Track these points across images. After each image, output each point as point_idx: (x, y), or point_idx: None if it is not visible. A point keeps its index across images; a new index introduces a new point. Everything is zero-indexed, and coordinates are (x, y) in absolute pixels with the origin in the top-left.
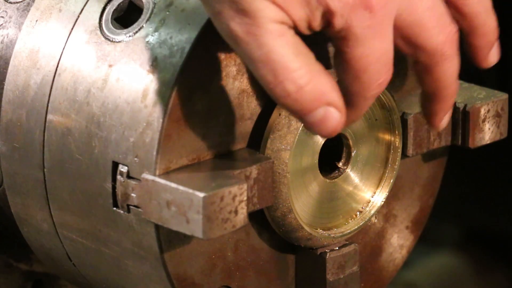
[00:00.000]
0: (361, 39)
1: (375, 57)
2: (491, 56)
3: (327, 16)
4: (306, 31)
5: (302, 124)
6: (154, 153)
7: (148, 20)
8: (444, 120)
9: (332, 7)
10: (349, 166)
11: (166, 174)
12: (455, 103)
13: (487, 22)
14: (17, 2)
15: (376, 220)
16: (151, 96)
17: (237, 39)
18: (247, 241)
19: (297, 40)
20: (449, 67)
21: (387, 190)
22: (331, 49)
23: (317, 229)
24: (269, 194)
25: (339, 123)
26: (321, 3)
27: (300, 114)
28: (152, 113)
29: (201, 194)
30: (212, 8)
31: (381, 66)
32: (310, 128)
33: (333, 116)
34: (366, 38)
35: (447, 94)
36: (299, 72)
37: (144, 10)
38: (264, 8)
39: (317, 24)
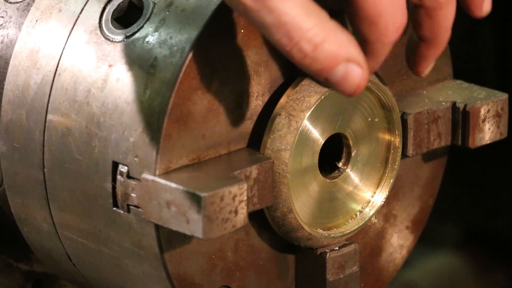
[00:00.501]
0: None
1: None
2: (485, 5)
3: None
4: None
5: (303, 124)
6: (154, 153)
7: (148, 20)
8: (430, 66)
9: None
10: (349, 166)
11: (166, 174)
12: (455, 103)
13: None
14: (17, 2)
15: (376, 220)
16: (151, 96)
17: (247, 9)
18: (247, 241)
19: (307, 0)
20: (450, 12)
21: (387, 190)
22: None
23: (317, 229)
24: (269, 194)
25: (362, 78)
26: None
27: (321, 75)
28: (152, 113)
29: (201, 194)
30: None
31: (396, 8)
32: (336, 88)
33: (354, 72)
34: None
35: (444, 39)
36: (314, 31)
37: (144, 10)
38: None
39: None
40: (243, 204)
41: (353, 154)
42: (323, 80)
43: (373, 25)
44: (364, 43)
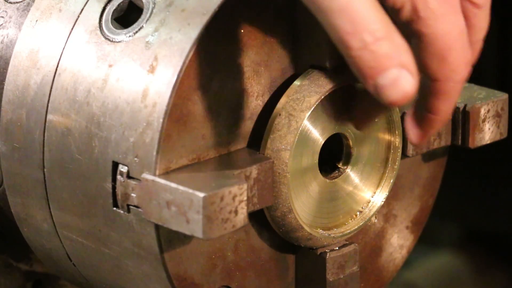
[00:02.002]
0: (440, 14)
1: (457, 32)
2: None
3: None
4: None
5: (303, 124)
6: (154, 153)
7: (148, 20)
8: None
9: None
10: (349, 166)
11: (166, 174)
12: None
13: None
14: (17, 2)
15: (376, 220)
16: (151, 96)
17: None
18: (247, 241)
19: (376, 2)
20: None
21: (387, 190)
22: None
23: (317, 229)
24: (269, 194)
25: (412, 88)
26: None
27: (372, 74)
28: (152, 113)
29: (201, 194)
30: None
31: (464, 43)
32: (381, 93)
33: (406, 79)
34: (445, 13)
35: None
36: (378, 25)
37: (144, 10)
38: None
39: (392, 0)
40: (243, 204)
41: (353, 154)
42: (370, 81)
43: (443, 61)
44: (434, 82)
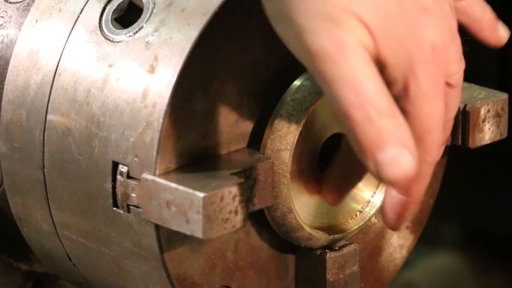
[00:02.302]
0: (428, 97)
1: (439, 116)
2: (501, 32)
3: (407, 69)
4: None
5: (303, 124)
6: (154, 153)
7: (148, 20)
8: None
9: (413, 56)
10: None
11: (166, 174)
12: None
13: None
14: (17, 2)
15: (376, 220)
16: (151, 96)
17: (324, 57)
18: (247, 241)
19: (378, 73)
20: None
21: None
22: None
23: (317, 229)
24: (269, 194)
25: (412, 167)
26: (406, 53)
27: (373, 148)
28: (152, 113)
29: (201, 194)
30: (299, 25)
31: (441, 127)
32: (381, 168)
33: (406, 158)
34: (432, 96)
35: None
36: (383, 100)
37: (144, 10)
38: (359, 32)
39: (393, 74)
40: (243, 204)
41: None
42: (370, 157)
43: (419, 142)
44: None
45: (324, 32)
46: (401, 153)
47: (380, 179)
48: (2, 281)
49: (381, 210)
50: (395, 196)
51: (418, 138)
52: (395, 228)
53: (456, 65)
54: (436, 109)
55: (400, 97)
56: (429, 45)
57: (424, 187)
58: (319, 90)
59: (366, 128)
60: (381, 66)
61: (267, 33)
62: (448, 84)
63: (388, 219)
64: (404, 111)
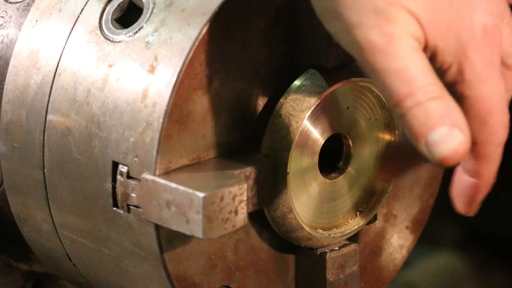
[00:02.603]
0: (484, 78)
1: (499, 96)
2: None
3: (459, 53)
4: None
5: (303, 124)
6: (154, 153)
7: (148, 20)
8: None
9: (464, 40)
10: (349, 166)
11: (166, 174)
12: None
13: None
14: (17, 2)
15: (376, 220)
16: (151, 96)
17: (373, 50)
18: (247, 241)
19: (428, 61)
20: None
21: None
22: None
23: (317, 229)
24: (269, 194)
25: (463, 145)
26: (457, 38)
27: (424, 129)
28: (152, 113)
29: (201, 194)
30: (348, 20)
31: (504, 106)
32: (432, 148)
33: (457, 136)
34: (489, 77)
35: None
36: (433, 87)
37: (144, 10)
38: (407, 22)
39: (444, 59)
40: (243, 204)
41: (353, 154)
42: (422, 138)
43: (484, 124)
44: (474, 146)
45: (373, 26)
46: (452, 131)
47: (433, 161)
48: (2, 281)
49: (451, 195)
50: (466, 180)
51: (481, 121)
52: (467, 212)
53: None
54: (495, 90)
55: (457, 81)
56: (480, 28)
57: (495, 169)
58: (319, 90)
59: (415, 112)
60: (432, 54)
61: (267, 33)
62: (505, 65)
63: (459, 203)
64: (463, 96)
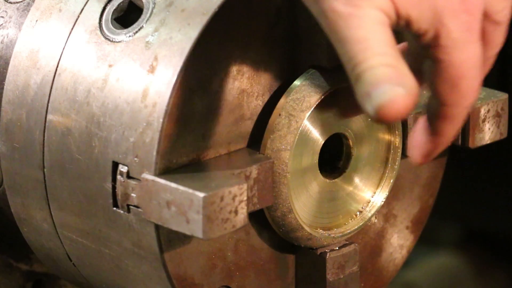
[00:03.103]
0: (461, 43)
1: (473, 61)
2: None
3: (435, 20)
4: (401, 29)
5: (303, 124)
6: (154, 153)
7: (148, 20)
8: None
9: (440, 8)
10: (349, 166)
11: (166, 174)
12: None
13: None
14: (17, 2)
15: (376, 220)
16: (151, 96)
17: (337, 19)
18: (247, 241)
19: (390, 35)
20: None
21: (387, 190)
22: None
23: (317, 229)
24: (269, 194)
25: (401, 97)
26: (431, 5)
27: (369, 88)
28: (152, 113)
29: (201, 194)
30: None
31: (477, 71)
32: (372, 100)
33: (397, 90)
34: (465, 42)
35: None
36: (388, 57)
37: (144, 10)
38: None
39: (420, 27)
40: (243, 204)
41: (353, 154)
42: (366, 96)
43: (454, 88)
44: (442, 107)
45: None
46: (393, 87)
47: (372, 112)
48: (2, 281)
49: (409, 145)
50: (427, 135)
51: (453, 84)
52: (420, 162)
53: (502, 1)
54: (470, 55)
55: (432, 46)
56: None
57: (457, 129)
58: (319, 90)
59: (367, 74)
60: (407, 22)
61: (267, 33)
62: (493, 21)
63: (415, 154)
64: (436, 59)
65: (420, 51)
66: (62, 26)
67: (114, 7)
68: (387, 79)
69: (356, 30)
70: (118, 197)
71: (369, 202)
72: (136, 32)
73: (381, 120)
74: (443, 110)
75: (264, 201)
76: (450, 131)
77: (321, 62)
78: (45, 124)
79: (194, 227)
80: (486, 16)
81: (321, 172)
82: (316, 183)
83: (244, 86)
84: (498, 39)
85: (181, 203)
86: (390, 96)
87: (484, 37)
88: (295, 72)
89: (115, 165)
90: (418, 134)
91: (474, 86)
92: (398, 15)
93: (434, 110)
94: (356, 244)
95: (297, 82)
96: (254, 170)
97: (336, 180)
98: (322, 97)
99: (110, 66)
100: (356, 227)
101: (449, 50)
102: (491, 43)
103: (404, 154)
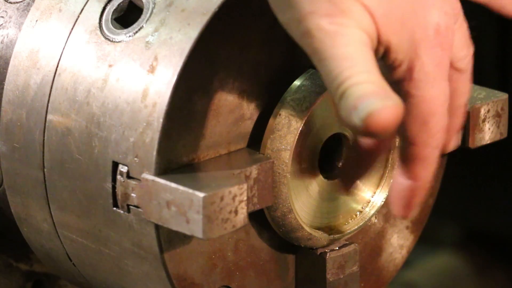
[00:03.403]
0: (432, 78)
1: (443, 98)
2: None
3: (411, 51)
4: (378, 58)
5: (303, 124)
6: (154, 153)
7: (148, 20)
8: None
9: (417, 39)
10: None
11: (166, 174)
12: None
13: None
14: (17, 2)
15: (376, 220)
16: (151, 96)
17: (323, 37)
18: (247, 241)
19: (372, 55)
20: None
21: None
22: None
23: (317, 229)
24: (269, 194)
25: (389, 107)
26: (410, 35)
27: (356, 102)
28: (152, 113)
29: (201, 194)
30: (301, 9)
31: (445, 110)
32: (359, 112)
33: (385, 101)
34: (436, 78)
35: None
36: (373, 75)
37: (144, 10)
38: (360, 16)
39: (396, 57)
40: (243, 204)
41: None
42: (352, 110)
43: (424, 126)
44: (413, 147)
45: (325, 14)
46: (382, 99)
47: (360, 125)
48: (2, 281)
49: (388, 199)
50: (402, 182)
51: (422, 121)
52: (404, 216)
53: (464, 49)
54: (440, 92)
55: (405, 79)
56: (433, 27)
57: (431, 171)
58: (319, 90)
59: (353, 90)
60: (386, 49)
61: (267, 33)
62: (456, 69)
63: (396, 206)
64: (408, 95)
65: (392, 87)
66: (62, 26)
67: (114, 7)
68: (374, 93)
69: (342, 48)
70: (118, 197)
71: (369, 202)
72: (136, 32)
73: (369, 130)
74: (414, 151)
75: (264, 201)
76: (424, 173)
77: None
78: (45, 124)
79: (194, 227)
80: (451, 64)
81: (321, 172)
82: (316, 183)
83: (244, 86)
84: (463, 87)
85: (181, 203)
86: (378, 106)
87: (451, 85)
88: (295, 72)
89: (115, 165)
90: (395, 186)
91: (443, 125)
92: (379, 40)
93: (405, 152)
94: (356, 244)
95: (297, 82)
96: (254, 170)
97: (336, 180)
98: (322, 97)
99: (110, 66)
100: (356, 227)
101: (421, 84)
102: (457, 91)
103: None
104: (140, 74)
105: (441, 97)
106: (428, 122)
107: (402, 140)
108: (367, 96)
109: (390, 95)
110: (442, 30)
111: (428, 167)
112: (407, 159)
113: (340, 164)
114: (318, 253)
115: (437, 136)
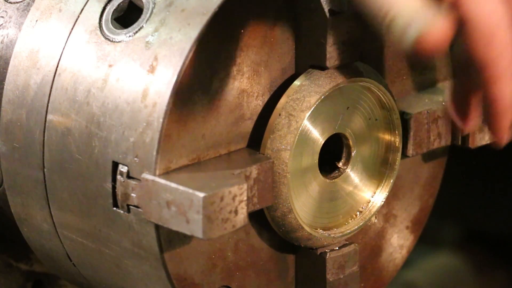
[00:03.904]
0: None
1: (499, 15)
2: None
3: None
4: None
5: (303, 124)
6: (154, 153)
7: (148, 20)
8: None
9: None
10: (349, 166)
11: (166, 174)
12: None
13: None
14: (17, 2)
15: (376, 220)
16: (151, 96)
17: None
18: (247, 241)
19: None
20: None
21: (387, 190)
22: None
23: (317, 229)
24: (269, 194)
25: (439, 25)
26: None
27: (407, 25)
28: (152, 113)
29: (201, 194)
30: None
31: (506, 25)
32: (411, 31)
33: (434, 21)
34: None
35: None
36: (422, 10)
37: (144, 10)
38: None
39: None
40: (243, 204)
41: (353, 154)
42: (403, 33)
43: (489, 45)
44: (485, 70)
45: None
46: (433, 19)
47: (414, 46)
48: (2, 281)
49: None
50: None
51: (486, 42)
52: (502, 138)
53: None
54: (493, 8)
55: (454, 5)
56: None
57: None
58: (319, 90)
59: (404, 12)
60: None
61: (267, 33)
62: None
63: (497, 133)
64: (464, 19)
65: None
66: (62, 26)
67: (114, 7)
68: (424, 13)
69: None
70: (118, 197)
71: (369, 202)
72: (136, 32)
73: (421, 48)
74: (488, 74)
75: (264, 201)
76: (505, 91)
77: (321, 62)
78: (45, 124)
79: (194, 227)
80: None
81: (321, 172)
82: (316, 183)
83: (244, 86)
84: None
85: (181, 203)
86: (430, 24)
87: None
88: (295, 72)
89: (115, 165)
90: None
91: (508, 40)
92: None
93: (480, 80)
94: (356, 244)
95: (297, 82)
96: (254, 170)
97: (336, 180)
98: (322, 97)
99: (110, 66)
100: (356, 227)
101: (471, 6)
102: None
103: (404, 154)
104: (140, 74)
105: (498, 11)
106: (491, 42)
107: (474, 72)
108: (419, 14)
109: (436, 15)
110: None
111: (507, 82)
112: (486, 83)
113: (341, 164)
114: (318, 253)
115: (506, 53)
